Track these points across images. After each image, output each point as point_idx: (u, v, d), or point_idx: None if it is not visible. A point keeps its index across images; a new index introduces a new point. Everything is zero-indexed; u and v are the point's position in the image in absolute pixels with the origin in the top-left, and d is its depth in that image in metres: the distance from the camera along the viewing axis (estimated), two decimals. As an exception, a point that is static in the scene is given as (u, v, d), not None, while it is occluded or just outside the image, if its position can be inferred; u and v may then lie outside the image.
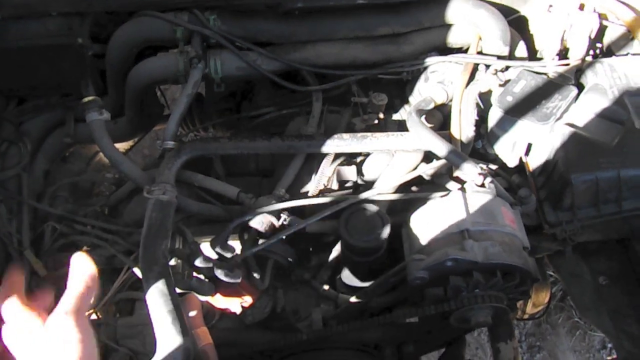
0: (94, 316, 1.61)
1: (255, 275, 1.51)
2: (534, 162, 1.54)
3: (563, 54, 1.70)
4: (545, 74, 1.60)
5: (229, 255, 1.43)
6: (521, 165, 1.57)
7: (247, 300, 1.54)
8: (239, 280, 1.43)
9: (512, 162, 1.57)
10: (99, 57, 1.69)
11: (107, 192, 2.01)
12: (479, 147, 1.62)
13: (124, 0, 1.60)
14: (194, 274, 1.45)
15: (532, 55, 1.76)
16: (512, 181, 1.56)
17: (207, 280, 1.44)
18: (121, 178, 1.90)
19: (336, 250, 1.59)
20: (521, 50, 1.73)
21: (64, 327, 0.98)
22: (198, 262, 1.41)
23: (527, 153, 1.55)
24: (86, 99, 1.61)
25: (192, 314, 1.35)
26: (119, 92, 1.75)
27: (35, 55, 1.62)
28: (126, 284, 1.61)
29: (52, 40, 1.60)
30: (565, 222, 1.48)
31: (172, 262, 1.44)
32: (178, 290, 1.29)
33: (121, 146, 2.17)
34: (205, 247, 1.46)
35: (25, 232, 1.65)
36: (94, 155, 2.11)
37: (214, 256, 1.46)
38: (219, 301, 1.52)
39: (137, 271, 1.54)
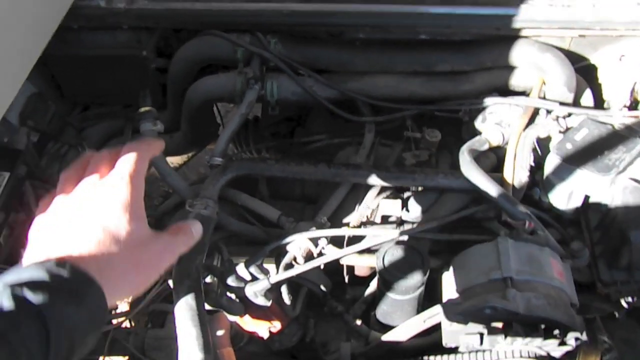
0: (126, 324, 1.62)
1: (287, 301, 1.48)
2: (591, 215, 1.46)
3: (633, 105, 1.62)
4: (610, 124, 1.52)
5: (262, 277, 1.41)
6: (577, 217, 1.49)
7: (276, 326, 1.51)
8: (269, 304, 1.41)
9: (567, 213, 1.49)
10: (161, 71, 1.74)
11: (157, 203, 2.05)
12: (536, 196, 1.55)
13: (190, 19, 1.65)
14: (226, 293, 1.44)
15: (599, 104, 1.68)
16: (565, 233, 1.48)
17: (237, 300, 1.42)
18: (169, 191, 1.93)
19: (372, 286, 1.54)
20: (587, 98, 1.66)
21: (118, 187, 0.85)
22: (230, 281, 1.40)
23: (584, 205, 1.47)
24: (142, 109, 1.65)
25: (220, 333, 1.34)
26: (177, 106, 1.79)
27: (103, 65, 1.70)
28: (161, 295, 1.62)
29: (119, 51, 1.68)
30: (621, 283, 1.38)
31: (208, 279, 1.44)
32: (208, 307, 1.28)
33: (175, 160, 2.22)
34: (241, 267, 1.45)
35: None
36: (149, 166, 2.16)
37: (248, 277, 1.44)
38: (248, 324, 1.50)
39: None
